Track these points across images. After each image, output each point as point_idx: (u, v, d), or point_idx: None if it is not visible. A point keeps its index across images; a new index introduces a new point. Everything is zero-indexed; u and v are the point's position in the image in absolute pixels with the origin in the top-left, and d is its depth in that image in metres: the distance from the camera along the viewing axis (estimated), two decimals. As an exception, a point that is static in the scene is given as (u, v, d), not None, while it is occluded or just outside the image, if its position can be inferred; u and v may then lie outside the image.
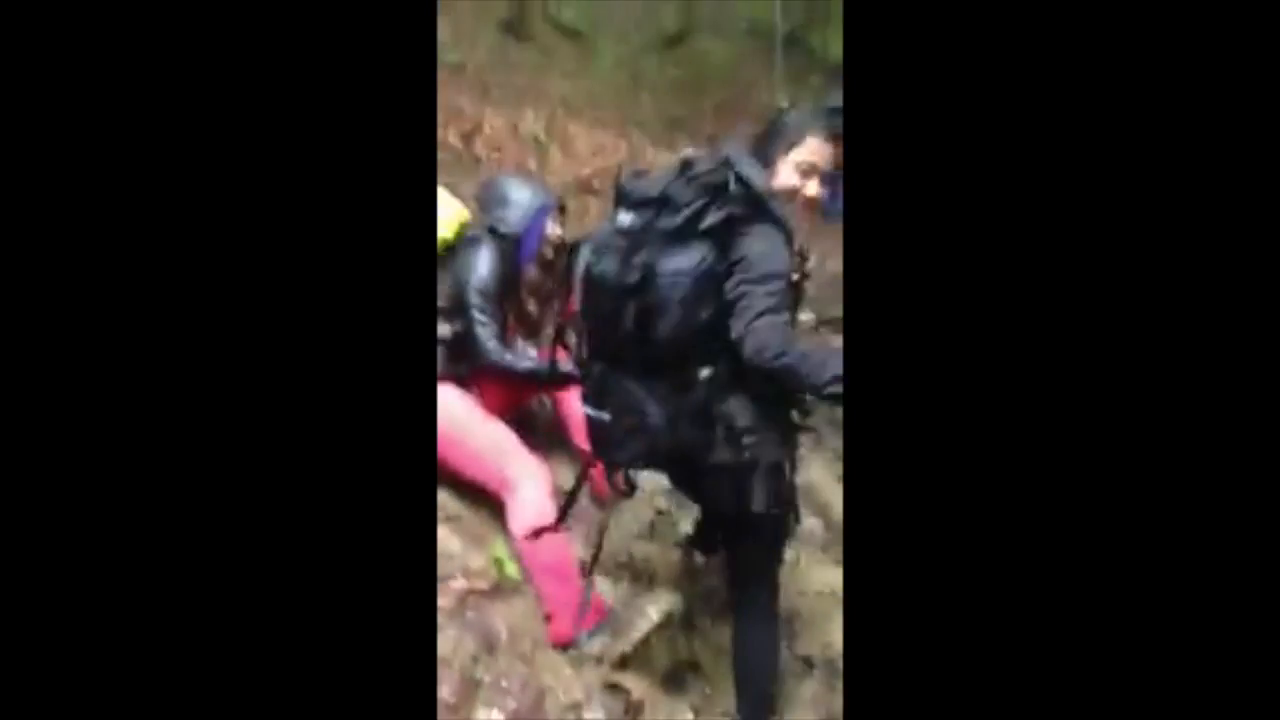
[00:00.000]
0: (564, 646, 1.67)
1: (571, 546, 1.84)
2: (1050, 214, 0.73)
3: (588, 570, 1.71)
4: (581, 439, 2.10)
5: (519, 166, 3.86)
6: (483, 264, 1.98)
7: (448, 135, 3.81)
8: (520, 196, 2.07)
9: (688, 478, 1.57)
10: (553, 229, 2.10)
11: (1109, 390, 0.71)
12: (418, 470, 0.78)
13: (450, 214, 2.07)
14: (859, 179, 0.81)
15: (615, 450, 1.56)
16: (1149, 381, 0.70)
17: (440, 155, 3.67)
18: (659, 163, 4.32)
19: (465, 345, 1.99)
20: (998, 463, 0.73)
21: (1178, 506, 0.68)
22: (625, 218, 1.50)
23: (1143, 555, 0.69)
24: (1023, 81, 0.74)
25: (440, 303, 1.99)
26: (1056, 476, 0.71)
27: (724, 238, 1.43)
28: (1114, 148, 0.72)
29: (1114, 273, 0.71)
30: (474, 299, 1.96)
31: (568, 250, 1.81)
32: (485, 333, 1.96)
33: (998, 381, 0.73)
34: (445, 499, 1.92)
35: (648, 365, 1.48)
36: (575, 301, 1.66)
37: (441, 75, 4.22)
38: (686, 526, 2.14)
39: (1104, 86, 0.72)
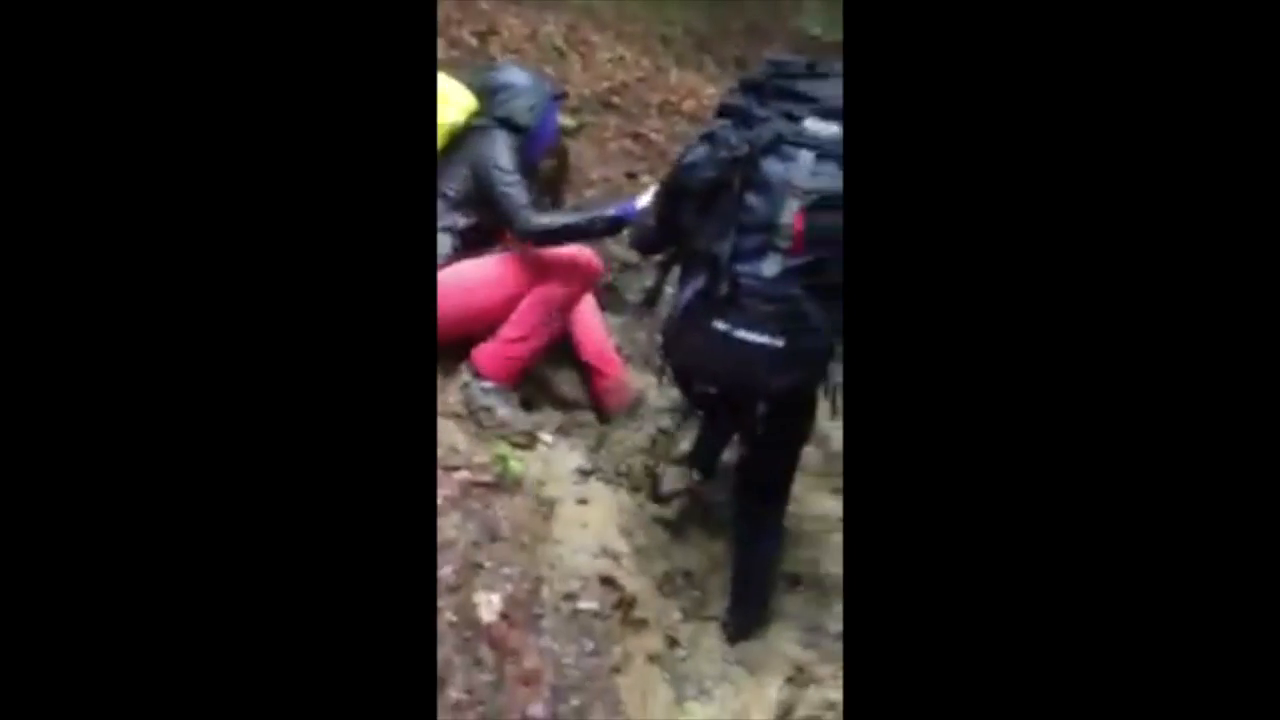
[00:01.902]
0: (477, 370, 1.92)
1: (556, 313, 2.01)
2: (1049, 206, 0.72)
3: None
4: (589, 354, 2.13)
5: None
6: (503, 152, 1.94)
7: (463, 33, 3.68)
8: (528, 88, 2.02)
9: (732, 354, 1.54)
10: (560, 121, 2.12)
11: (1093, 357, 0.70)
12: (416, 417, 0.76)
13: (461, 101, 2.00)
14: (859, 163, 0.79)
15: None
16: (1145, 369, 0.69)
17: (454, 53, 3.54)
18: (682, 84, 4.19)
19: (481, 232, 1.98)
20: (995, 409, 0.73)
21: (1170, 486, 0.68)
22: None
23: (1131, 514, 0.69)
24: (1027, 76, 0.72)
25: (449, 192, 1.96)
26: (1045, 419, 0.71)
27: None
28: (1116, 154, 0.71)
29: (1111, 269, 0.70)
30: (502, 178, 1.91)
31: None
32: (523, 199, 1.90)
33: (993, 330, 0.73)
34: (454, 398, 1.94)
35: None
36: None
37: (461, -25, 4.04)
38: (686, 446, 2.17)
39: (1108, 90, 0.71)
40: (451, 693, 1.33)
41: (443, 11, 3.74)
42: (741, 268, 1.43)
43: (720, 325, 1.47)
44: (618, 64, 4.09)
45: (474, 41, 3.69)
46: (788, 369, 1.48)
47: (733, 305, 1.45)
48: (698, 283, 1.48)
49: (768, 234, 1.42)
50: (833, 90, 1.44)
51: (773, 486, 1.75)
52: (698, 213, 1.49)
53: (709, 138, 1.48)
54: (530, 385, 2.10)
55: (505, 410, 1.91)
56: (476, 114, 2.01)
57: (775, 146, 1.41)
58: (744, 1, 5.02)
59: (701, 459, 2.00)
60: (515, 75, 2.06)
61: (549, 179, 2.14)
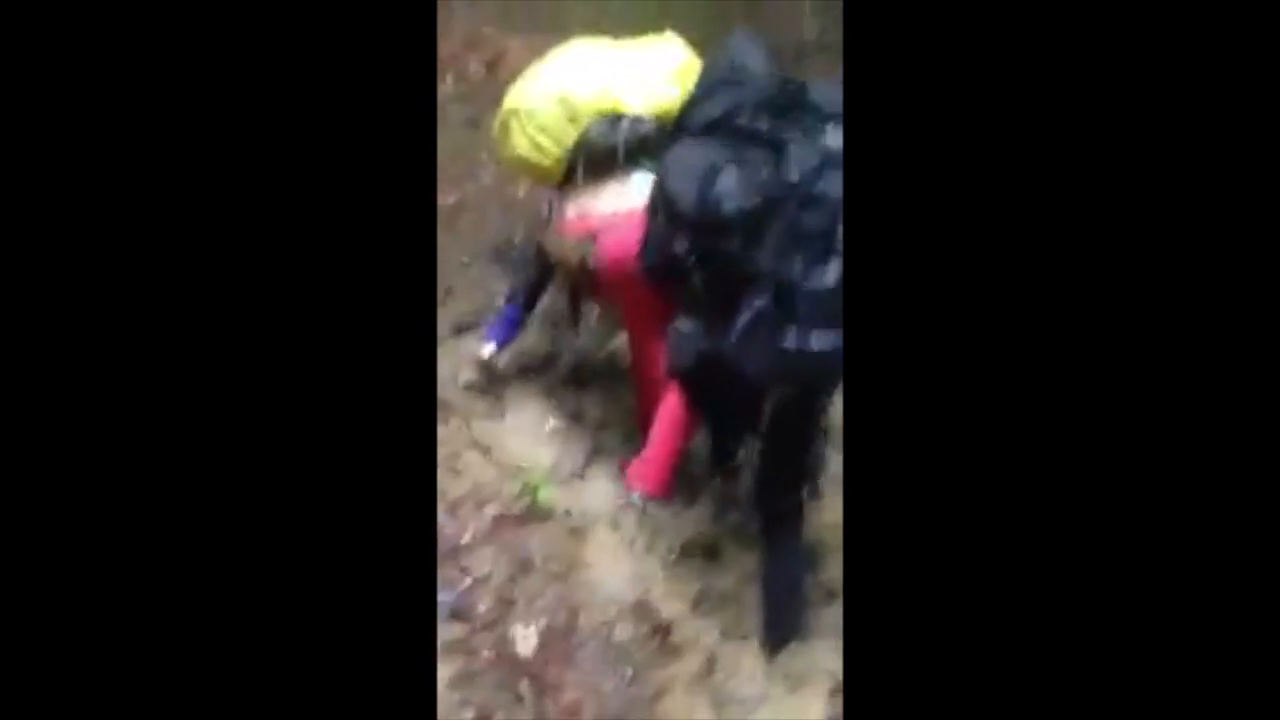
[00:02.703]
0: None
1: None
2: (1051, 207, 0.71)
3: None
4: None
5: (544, 96, 3.77)
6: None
7: (469, 64, 3.73)
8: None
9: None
10: None
11: (1097, 358, 0.70)
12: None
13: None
14: (859, 166, 0.79)
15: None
16: (1146, 361, 0.68)
17: (463, 87, 3.60)
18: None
19: None
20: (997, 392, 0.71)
21: (1170, 481, 0.67)
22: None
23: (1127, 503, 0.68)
24: (1024, 74, 0.72)
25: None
26: (1046, 419, 0.70)
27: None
28: (1117, 150, 0.70)
29: (1111, 265, 0.69)
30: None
31: None
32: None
33: (993, 334, 0.72)
34: (480, 430, 1.96)
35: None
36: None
37: (463, 5, 4.09)
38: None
39: (1108, 85, 0.70)
40: (494, 731, 1.35)
41: (447, 48, 3.79)
42: (806, 284, 1.46)
43: (790, 342, 1.49)
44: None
45: (483, 70, 3.73)
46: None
47: (801, 320, 1.47)
48: (758, 303, 1.49)
49: (825, 243, 1.45)
50: (835, 95, 1.47)
51: (790, 495, 1.74)
52: (744, 242, 1.49)
53: (738, 164, 1.49)
54: (573, 424, 2.11)
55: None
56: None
57: (825, 166, 1.44)
58: (739, 13, 5.00)
59: (720, 458, 2.00)
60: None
61: None
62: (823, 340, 1.47)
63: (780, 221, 1.46)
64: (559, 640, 1.54)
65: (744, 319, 1.51)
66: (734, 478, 2.01)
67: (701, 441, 2.13)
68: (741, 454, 2.01)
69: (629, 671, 1.58)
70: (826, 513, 2.11)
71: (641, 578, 1.77)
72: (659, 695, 1.59)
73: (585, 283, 1.95)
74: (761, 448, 1.77)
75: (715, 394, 1.76)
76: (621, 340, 2.31)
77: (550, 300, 2.29)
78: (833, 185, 1.44)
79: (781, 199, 1.45)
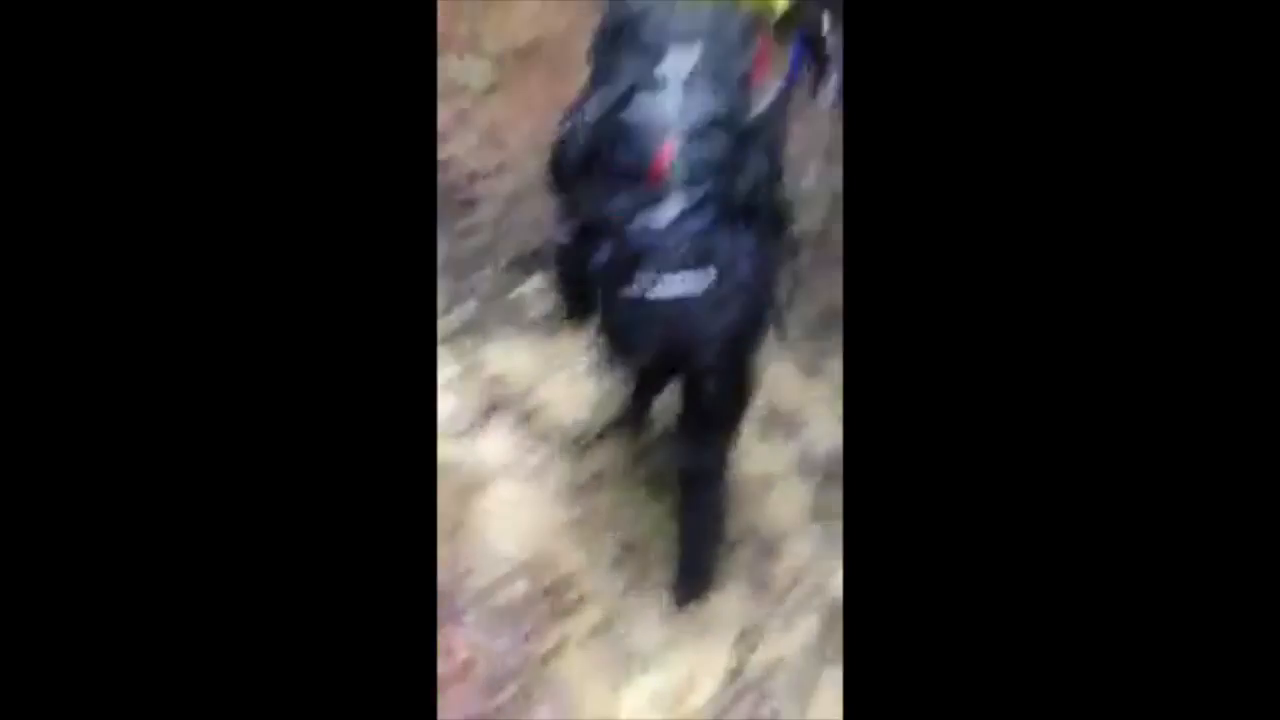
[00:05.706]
0: None
1: None
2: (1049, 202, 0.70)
3: None
4: None
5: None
6: None
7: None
8: None
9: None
10: None
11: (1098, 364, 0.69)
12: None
13: None
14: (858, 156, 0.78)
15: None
16: (1145, 355, 0.68)
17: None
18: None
19: None
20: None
21: (1169, 478, 0.67)
22: None
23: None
24: (1022, 73, 0.71)
25: None
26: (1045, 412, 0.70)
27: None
28: (1116, 149, 0.69)
29: (1111, 264, 0.69)
30: None
31: None
32: None
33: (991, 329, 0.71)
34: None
35: None
36: None
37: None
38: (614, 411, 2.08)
39: (1109, 85, 0.69)
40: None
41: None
42: (635, 225, 1.36)
43: (632, 291, 1.39)
44: (540, 15, 3.90)
45: None
46: (717, 311, 1.40)
47: (638, 266, 1.37)
48: (601, 253, 1.41)
49: (645, 178, 1.36)
50: (690, 9, 1.39)
51: (720, 439, 1.67)
52: (586, 185, 1.42)
53: (575, 109, 1.41)
54: (470, 375, 1.99)
55: None
56: None
57: (631, 97, 1.34)
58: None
59: (632, 421, 1.93)
60: None
61: None
62: (671, 289, 1.36)
63: (601, 159, 1.36)
64: (447, 602, 1.46)
65: (590, 274, 1.42)
66: (646, 431, 1.94)
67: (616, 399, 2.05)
68: (655, 408, 1.94)
69: (525, 629, 1.52)
70: (744, 462, 2.07)
71: (539, 533, 1.70)
72: (555, 652, 1.53)
73: None
74: (685, 402, 1.68)
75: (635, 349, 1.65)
76: (522, 291, 2.21)
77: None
78: (642, 115, 1.32)
79: (598, 139, 1.36)
